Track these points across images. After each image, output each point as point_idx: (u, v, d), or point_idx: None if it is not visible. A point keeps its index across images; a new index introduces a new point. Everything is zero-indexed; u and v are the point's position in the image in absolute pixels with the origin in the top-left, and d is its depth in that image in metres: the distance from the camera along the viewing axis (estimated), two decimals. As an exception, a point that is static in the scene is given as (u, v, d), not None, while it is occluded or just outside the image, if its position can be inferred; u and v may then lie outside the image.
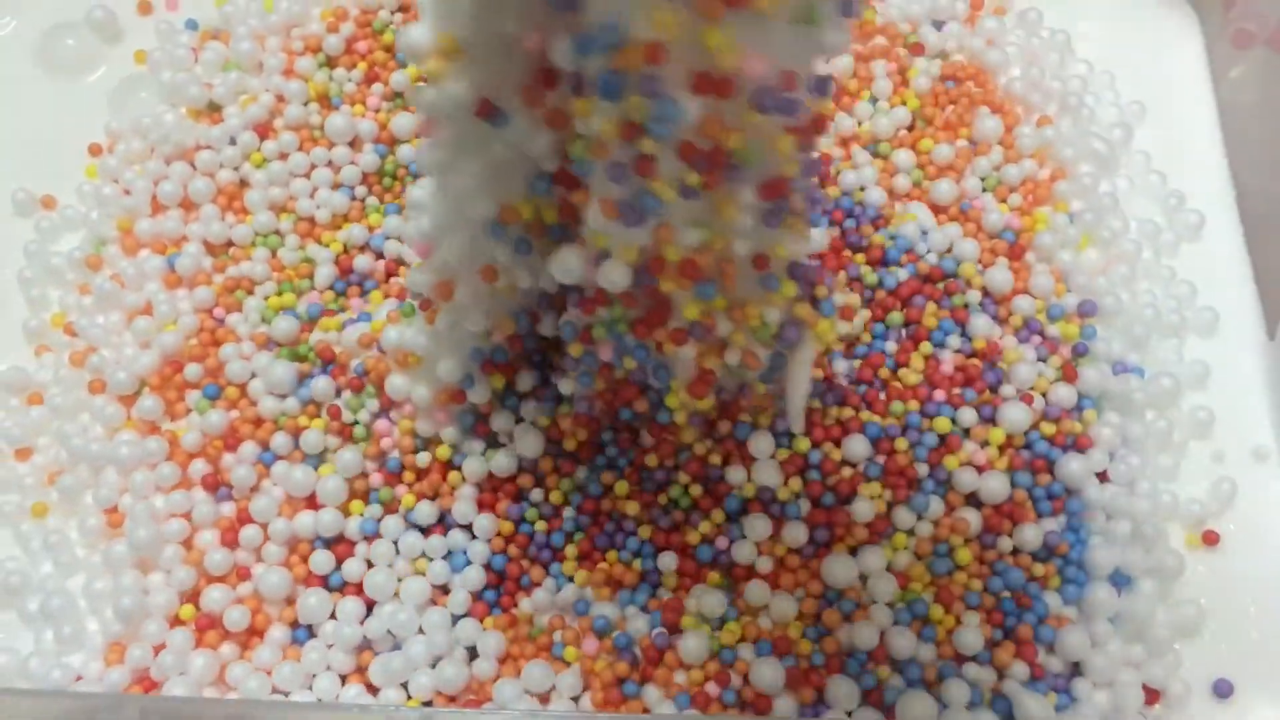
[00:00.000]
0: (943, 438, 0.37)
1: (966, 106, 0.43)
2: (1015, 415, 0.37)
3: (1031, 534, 0.35)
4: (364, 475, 0.37)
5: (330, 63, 0.43)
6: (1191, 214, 0.42)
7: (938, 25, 0.45)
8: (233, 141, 0.42)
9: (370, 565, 0.35)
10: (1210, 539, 0.37)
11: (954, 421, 0.37)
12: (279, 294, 0.40)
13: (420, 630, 0.35)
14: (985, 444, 0.37)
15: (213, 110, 0.43)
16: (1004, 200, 0.41)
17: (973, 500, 0.36)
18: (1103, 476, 0.37)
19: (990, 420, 0.37)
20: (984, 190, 0.41)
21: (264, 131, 0.42)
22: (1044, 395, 0.38)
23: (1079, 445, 0.37)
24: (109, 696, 0.33)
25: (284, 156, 0.41)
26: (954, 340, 0.38)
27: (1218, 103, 0.45)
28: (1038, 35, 0.45)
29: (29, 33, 0.46)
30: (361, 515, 0.36)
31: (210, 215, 0.41)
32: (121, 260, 0.40)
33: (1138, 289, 0.40)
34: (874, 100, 0.43)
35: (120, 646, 0.35)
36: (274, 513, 0.36)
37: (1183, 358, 0.39)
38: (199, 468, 0.37)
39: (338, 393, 0.37)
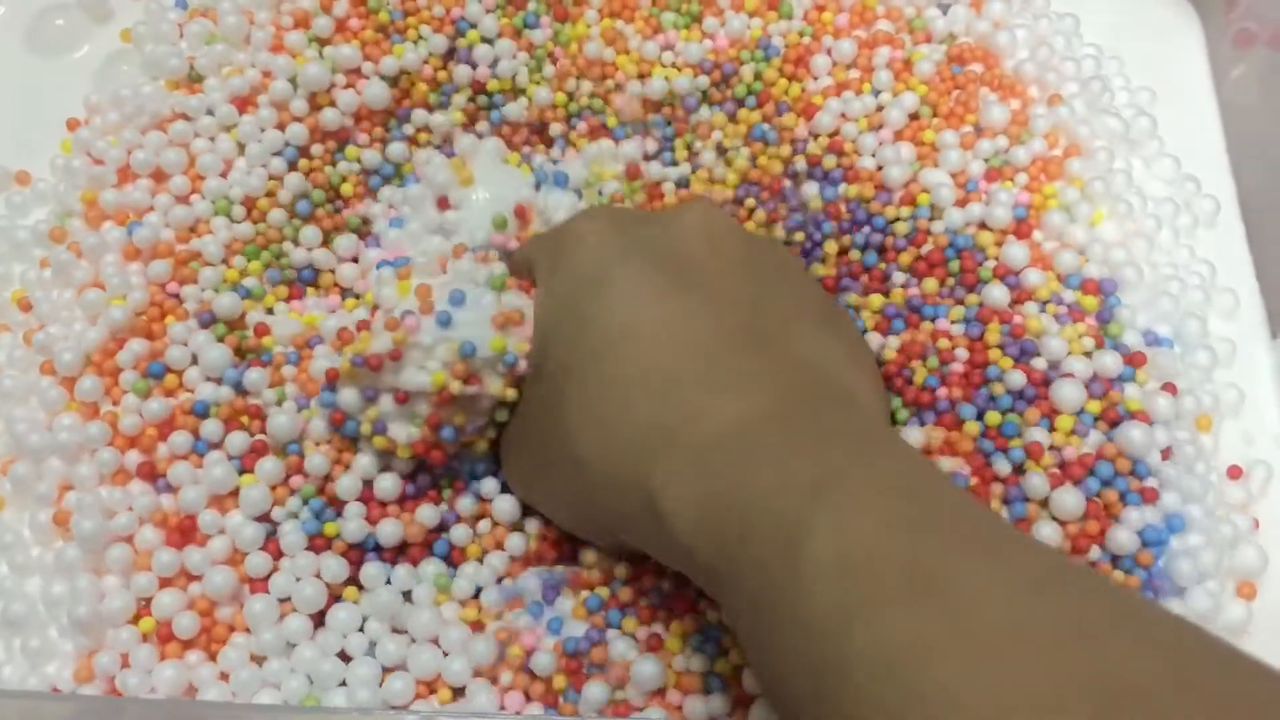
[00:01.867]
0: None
1: (973, 92, 0.40)
2: (1069, 393, 0.33)
3: (1125, 537, 0.31)
4: (286, 484, 0.33)
5: (321, 42, 0.40)
6: (1206, 199, 0.40)
7: (943, 9, 0.42)
8: (210, 112, 0.38)
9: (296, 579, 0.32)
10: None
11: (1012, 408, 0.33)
12: (227, 277, 0.36)
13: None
14: (1050, 446, 0.33)
15: (192, 82, 0.40)
16: (1010, 179, 0.38)
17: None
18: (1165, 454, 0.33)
19: (1029, 403, 0.33)
20: (986, 164, 0.38)
21: (243, 105, 0.39)
22: (1087, 355, 0.34)
23: (1136, 419, 0.33)
24: (107, 700, 0.30)
25: (261, 130, 0.38)
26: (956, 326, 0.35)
27: (1219, 103, 0.43)
28: (1045, 17, 0.42)
29: (20, 16, 0.44)
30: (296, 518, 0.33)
31: (180, 187, 0.37)
32: (84, 233, 0.37)
33: (1157, 262, 0.38)
34: (876, 93, 0.40)
35: (88, 665, 0.31)
36: (203, 505, 0.32)
37: (1209, 333, 0.37)
38: (134, 457, 0.33)
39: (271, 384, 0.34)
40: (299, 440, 0.33)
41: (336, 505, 0.33)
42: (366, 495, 0.33)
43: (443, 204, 0.37)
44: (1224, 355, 0.37)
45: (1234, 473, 0.34)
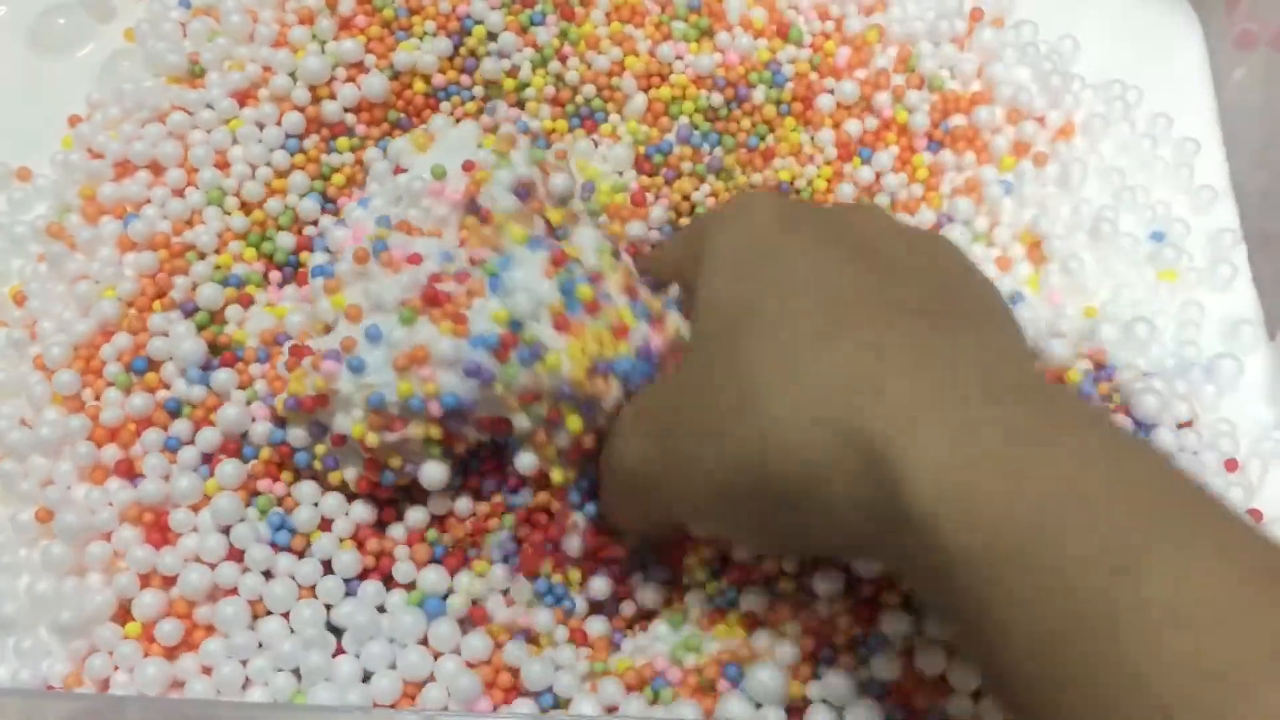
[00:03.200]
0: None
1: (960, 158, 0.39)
2: None
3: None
4: (251, 486, 0.32)
5: (323, 41, 0.39)
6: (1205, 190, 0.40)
7: (935, 43, 0.42)
8: (210, 107, 0.38)
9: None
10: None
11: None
12: (217, 266, 0.36)
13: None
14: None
15: (194, 78, 0.39)
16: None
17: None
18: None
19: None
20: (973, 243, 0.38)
21: (244, 99, 0.38)
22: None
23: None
24: (108, 698, 0.30)
25: (261, 126, 0.38)
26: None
27: (1220, 105, 0.42)
28: (1034, 45, 0.42)
29: (22, 15, 0.43)
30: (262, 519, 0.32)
31: (177, 179, 0.37)
32: (81, 226, 0.36)
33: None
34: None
35: (78, 668, 0.30)
36: (175, 505, 0.32)
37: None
38: (112, 452, 0.32)
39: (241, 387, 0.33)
40: (246, 439, 0.33)
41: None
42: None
43: (398, 171, 0.35)
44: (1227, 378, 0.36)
45: (1230, 466, 0.34)
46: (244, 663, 0.30)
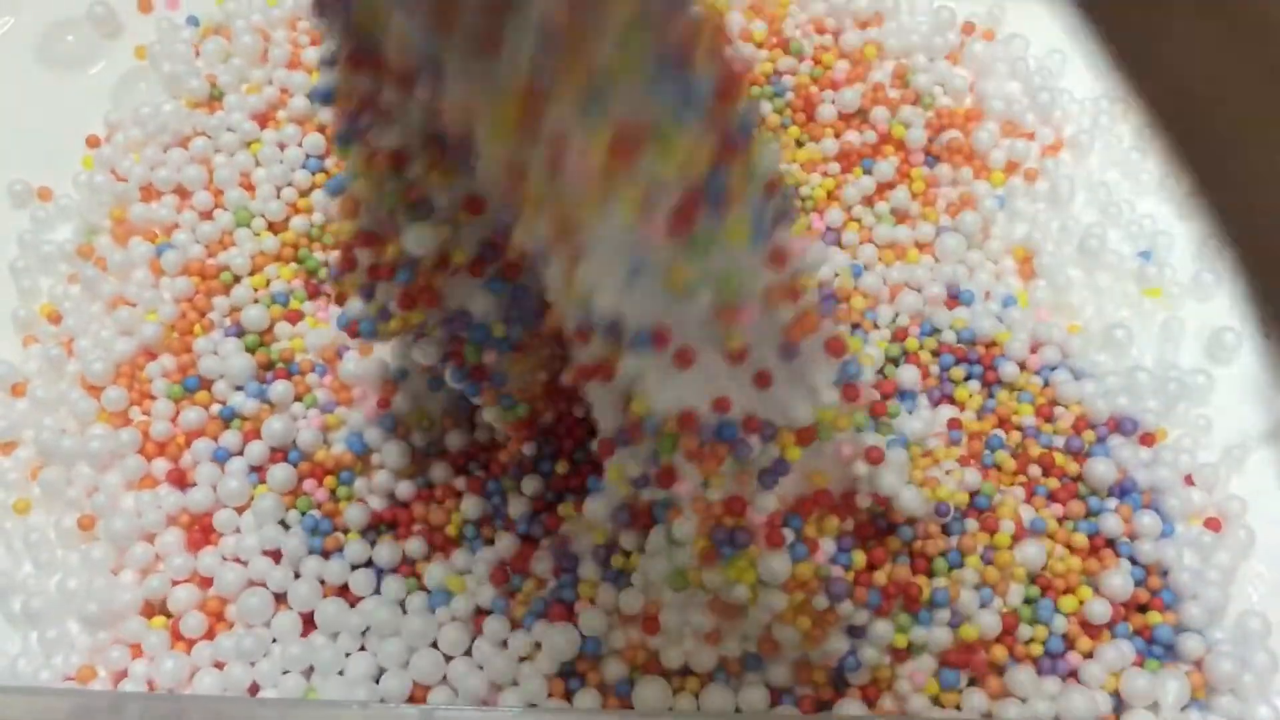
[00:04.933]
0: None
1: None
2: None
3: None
4: (298, 490, 0.34)
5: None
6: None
7: (930, 58, 0.42)
8: (230, 130, 0.39)
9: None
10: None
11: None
12: (254, 287, 0.37)
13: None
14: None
15: (212, 101, 0.40)
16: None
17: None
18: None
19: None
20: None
21: (264, 121, 0.39)
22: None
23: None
24: (110, 695, 0.30)
25: (282, 146, 0.39)
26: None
27: None
28: (1024, 59, 0.42)
29: (28, 30, 0.43)
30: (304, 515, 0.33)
31: (204, 202, 0.38)
32: (112, 249, 0.38)
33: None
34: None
35: (90, 668, 0.31)
36: (220, 507, 0.33)
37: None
38: (161, 465, 0.34)
39: (297, 398, 0.35)
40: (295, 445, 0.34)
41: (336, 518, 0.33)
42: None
43: None
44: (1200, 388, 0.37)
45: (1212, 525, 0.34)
46: (251, 664, 0.31)
